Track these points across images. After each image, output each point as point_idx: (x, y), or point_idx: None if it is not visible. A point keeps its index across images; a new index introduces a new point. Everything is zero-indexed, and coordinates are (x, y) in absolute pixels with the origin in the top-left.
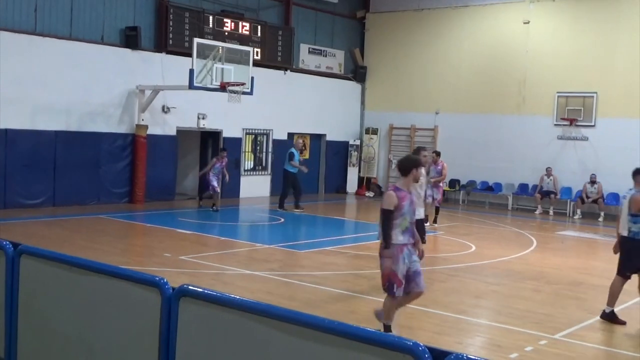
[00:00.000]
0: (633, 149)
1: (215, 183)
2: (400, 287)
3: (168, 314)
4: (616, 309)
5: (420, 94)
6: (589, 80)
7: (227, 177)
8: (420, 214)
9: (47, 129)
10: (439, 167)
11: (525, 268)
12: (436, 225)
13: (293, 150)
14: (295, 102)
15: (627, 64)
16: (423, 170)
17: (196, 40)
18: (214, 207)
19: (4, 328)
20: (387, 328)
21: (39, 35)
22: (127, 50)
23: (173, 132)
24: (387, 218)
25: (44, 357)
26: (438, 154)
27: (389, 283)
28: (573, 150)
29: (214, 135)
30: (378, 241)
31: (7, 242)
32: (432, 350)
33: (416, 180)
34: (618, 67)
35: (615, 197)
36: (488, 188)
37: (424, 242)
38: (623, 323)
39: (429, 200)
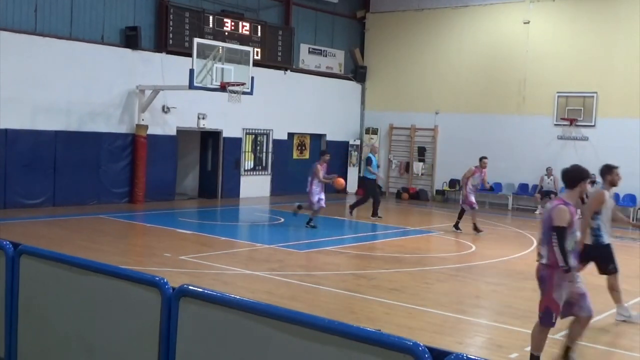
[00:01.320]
0: (633, 149)
1: (317, 197)
2: (558, 316)
3: (168, 314)
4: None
5: (420, 94)
6: (589, 80)
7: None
8: (606, 238)
9: (47, 129)
10: (483, 175)
11: (525, 268)
12: (479, 233)
13: (370, 155)
14: (295, 102)
15: (627, 64)
16: (611, 192)
17: (196, 40)
18: (310, 224)
19: (4, 328)
20: (536, 359)
21: (39, 35)
22: (127, 50)
23: (173, 132)
24: (564, 236)
25: (44, 357)
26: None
27: (546, 311)
28: (573, 150)
29: (214, 135)
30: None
31: (7, 242)
32: (432, 350)
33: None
34: (618, 67)
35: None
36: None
37: (615, 271)
38: None
39: (468, 207)
